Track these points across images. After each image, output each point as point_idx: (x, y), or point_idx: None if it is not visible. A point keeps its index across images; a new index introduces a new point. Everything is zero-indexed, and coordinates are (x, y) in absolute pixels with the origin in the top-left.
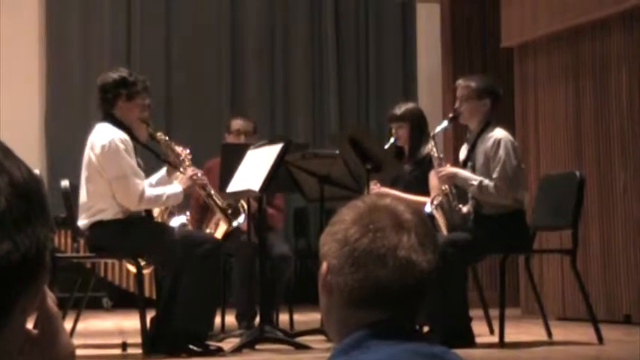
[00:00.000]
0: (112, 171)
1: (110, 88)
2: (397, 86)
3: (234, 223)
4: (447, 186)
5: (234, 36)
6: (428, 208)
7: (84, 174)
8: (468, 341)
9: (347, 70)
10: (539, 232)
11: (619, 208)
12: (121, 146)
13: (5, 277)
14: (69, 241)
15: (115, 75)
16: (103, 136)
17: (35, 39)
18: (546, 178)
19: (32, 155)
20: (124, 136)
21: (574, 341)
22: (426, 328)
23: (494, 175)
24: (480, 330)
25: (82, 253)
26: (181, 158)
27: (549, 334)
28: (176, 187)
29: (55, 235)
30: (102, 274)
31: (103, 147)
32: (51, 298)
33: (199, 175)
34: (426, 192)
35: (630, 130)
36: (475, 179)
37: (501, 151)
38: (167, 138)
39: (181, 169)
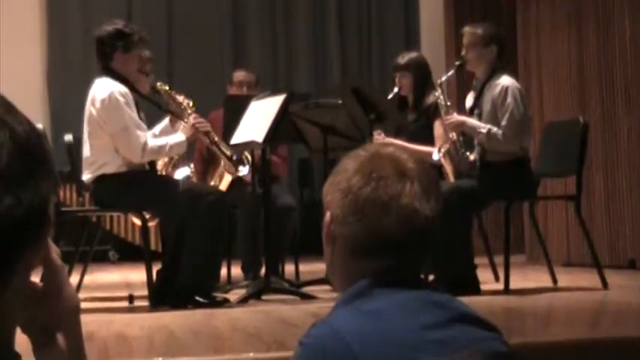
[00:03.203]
0: (113, 124)
1: (106, 41)
2: (399, 36)
3: (241, 169)
4: (454, 134)
5: None
6: (435, 156)
7: (86, 129)
8: (473, 288)
9: (349, 20)
10: (543, 179)
11: (623, 153)
12: (121, 99)
13: (9, 231)
14: (74, 195)
15: (110, 28)
16: (103, 90)
17: None
18: (550, 124)
19: (35, 110)
20: (124, 89)
21: (579, 287)
22: (431, 277)
23: (503, 123)
24: (485, 277)
25: (87, 207)
26: (183, 107)
27: (554, 280)
28: (179, 136)
29: (59, 189)
30: (108, 227)
31: (102, 101)
32: (55, 252)
33: (202, 122)
34: (430, 141)
35: (634, 76)
36: (483, 127)
37: (509, 99)
38: (168, 87)
39: (184, 118)
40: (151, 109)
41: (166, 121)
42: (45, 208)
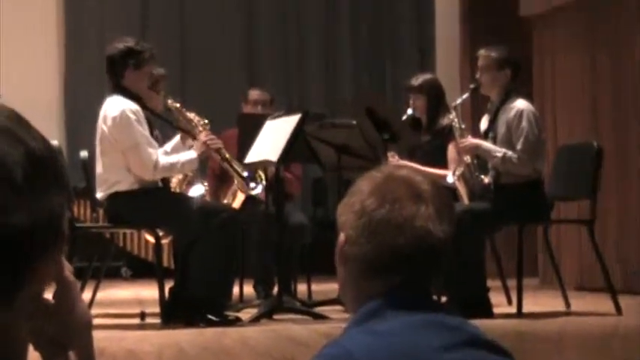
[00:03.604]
0: (124, 142)
1: (117, 59)
2: (414, 56)
3: (252, 185)
4: (468, 157)
5: (249, 5)
6: (450, 179)
7: (98, 147)
8: (486, 311)
9: (362, 39)
10: (556, 203)
11: (636, 177)
12: (132, 117)
13: (21, 247)
14: (88, 211)
15: (121, 45)
16: (114, 107)
17: (53, 11)
18: (564, 148)
19: (51, 126)
20: (135, 106)
21: (592, 312)
22: (444, 299)
23: (518, 147)
24: (498, 300)
25: (100, 223)
26: (194, 124)
27: (567, 304)
28: (191, 153)
29: (73, 204)
30: (121, 243)
31: (114, 119)
32: (68, 269)
33: (213, 139)
34: (443, 163)
35: None
36: (499, 151)
37: (524, 122)
38: (178, 105)
39: (195, 135)
40: (166, 126)
41: (177, 138)
42: (58, 224)
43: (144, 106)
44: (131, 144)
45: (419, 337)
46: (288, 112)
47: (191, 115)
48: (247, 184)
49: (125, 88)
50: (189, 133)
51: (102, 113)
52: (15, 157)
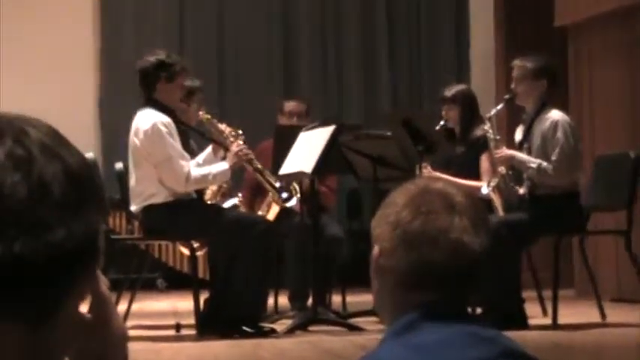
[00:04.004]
0: (156, 155)
1: (149, 72)
2: (450, 66)
3: (284, 195)
4: (503, 168)
5: (287, 16)
6: (485, 190)
7: (131, 160)
8: (521, 323)
9: (400, 50)
10: (593, 213)
11: None
12: (164, 129)
13: (60, 264)
14: (123, 222)
15: (152, 58)
16: (146, 121)
17: (90, 23)
18: (601, 158)
19: (87, 139)
20: (167, 119)
21: (629, 323)
22: (479, 310)
23: (553, 158)
24: (533, 311)
25: (136, 235)
26: (225, 135)
27: (603, 315)
28: (222, 164)
29: (109, 217)
30: (156, 255)
31: (146, 132)
32: (104, 282)
33: (245, 149)
34: (477, 175)
35: None
36: (534, 162)
37: (559, 133)
38: (209, 116)
39: (227, 147)
40: (199, 138)
41: (209, 149)
42: (95, 240)
43: (176, 119)
44: (163, 157)
45: (454, 350)
46: (324, 123)
47: (222, 127)
48: (280, 195)
49: (157, 101)
50: (220, 145)
51: (134, 126)
52: (53, 174)
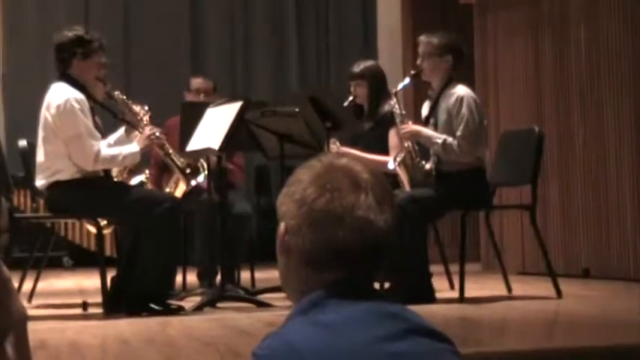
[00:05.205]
0: (67, 131)
1: (66, 47)
2: (357, 43)
3: (193, 182)
4: (409, 143)
5: None
6: (391, 165)
7: (40, 134)
8: (429, 297)
9: (307, 27)
10: (499, 189)
11: (578, 163)
12: (77, 106)
13: None
14: (28, 200)
15: (70, 34)
16: (59, 95)
17: None
18: (506, 134)
19: None
20: (80, 95)
21: (533, 296)
22: (387, 285)
23: (458, 134)
24: (441, 285)
25: (41, 213)
26: (139, 117)
27: (509, 289)
28: (133, 146)
29: (12, 194)
30: (62, 233)
31: (58, 107)
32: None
33: (157, 134)
34: (386, 151)
35: (589, 86)
36: (439, 137)
37: (464, 109)
38: (125, 97)
39: (139, 129)
40: (107, 115)
41: (122, 130)
42: None
43: (88, 96)
44: (73, 134)
45: (361, 328)
46: (231, 100)
47: (137, 109)
48: (188, 181)
49: (71, 76)
50: (134, 127)
51: (46, 100)
52: None
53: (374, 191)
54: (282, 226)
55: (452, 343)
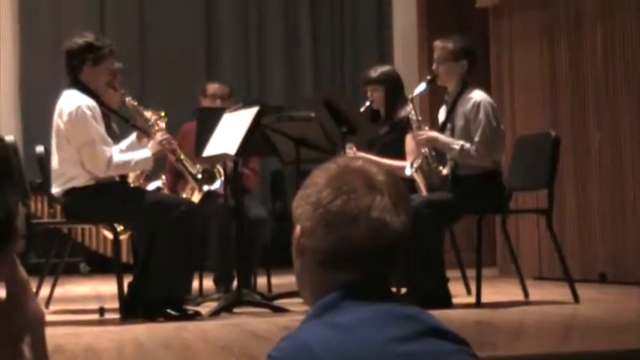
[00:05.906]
0: (79, 138)
1: (76, 54)
2: (372, 48)
3: (205, 187)
4: (426, 149)
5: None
6: (408, 171)
7: (54, 141)
8: (445, 302)
9: (322, 32)
10: (515, 193)
11: (594, 167)
12: (88, 113)
13: None
14: (45, 206)
15: (80, 40)
16: (70, 102)
17: (9, 4)
18: (522, 138)
19: (7, 121)
20: (92, 102)
21: (550, 301)
22: (403, 290)
23: (476, 139)
24: (457, 290)
25: (58, 219)
26: (150, 123)
27: (526, 293)
28: (145, 152)
29: (29, 200)
30: (79, 239)
31: (70, 114)
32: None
33: (169, 139)
34: (402, 156)
35: (605, 90)
36: (456, 143)
37: (481, 114)
38: (136, 103)
39: (150, 134)
40: (121, 121)
41: (133, 136)
42: (11, 222)
43: (100, 102)
44: (85, 140)
45: (377, 329)
46: (246, 105)
47: (148, 114)
48: (201, 187)
49: (82, 83)
50: (145, 132)
51: (58, 108)
52: None
53: (389, 193)
54: (297, 228)
55: (468, 345)
